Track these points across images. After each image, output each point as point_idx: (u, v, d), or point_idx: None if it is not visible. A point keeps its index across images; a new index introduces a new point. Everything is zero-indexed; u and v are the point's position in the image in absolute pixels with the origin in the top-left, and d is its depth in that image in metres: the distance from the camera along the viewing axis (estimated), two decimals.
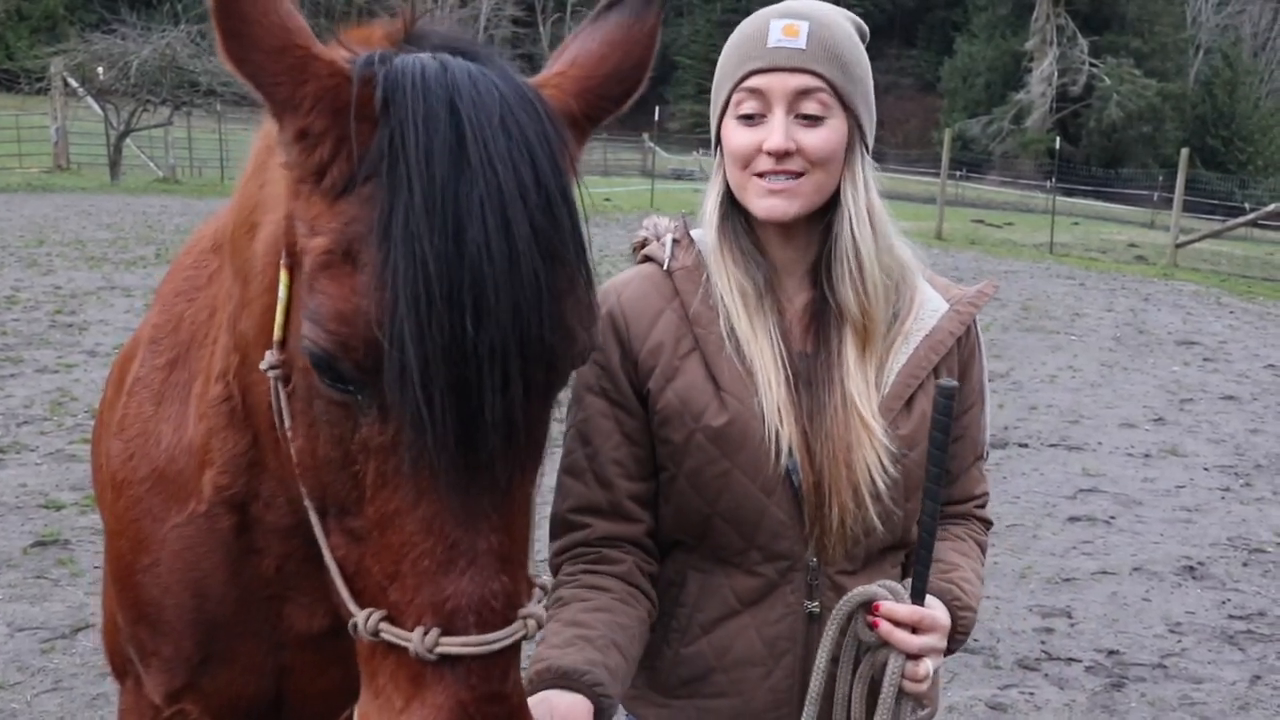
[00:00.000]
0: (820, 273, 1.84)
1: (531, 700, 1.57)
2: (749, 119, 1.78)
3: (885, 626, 1.68)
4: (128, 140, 29.11)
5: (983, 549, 1.99)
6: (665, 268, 1.90)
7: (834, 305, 1.82)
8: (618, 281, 1.93)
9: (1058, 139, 36.73)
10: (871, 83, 1.85)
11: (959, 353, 1.90)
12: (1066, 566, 6.15)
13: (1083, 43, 60.69)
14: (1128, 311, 15.90)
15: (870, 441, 1.76)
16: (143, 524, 1.83)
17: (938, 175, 29.49)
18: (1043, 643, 5.21)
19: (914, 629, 1.68)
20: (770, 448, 1.77)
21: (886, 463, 1.76)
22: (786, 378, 1.80)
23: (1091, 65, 60.07)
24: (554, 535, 1.89)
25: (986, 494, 2.03)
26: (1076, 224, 34.98)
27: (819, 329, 1.84)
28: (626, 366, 1.86)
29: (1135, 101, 57.91)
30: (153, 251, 15.58)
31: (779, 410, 1.77)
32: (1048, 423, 9.25)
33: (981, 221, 32.94)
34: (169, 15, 36.66)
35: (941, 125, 50.87)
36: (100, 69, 28.39)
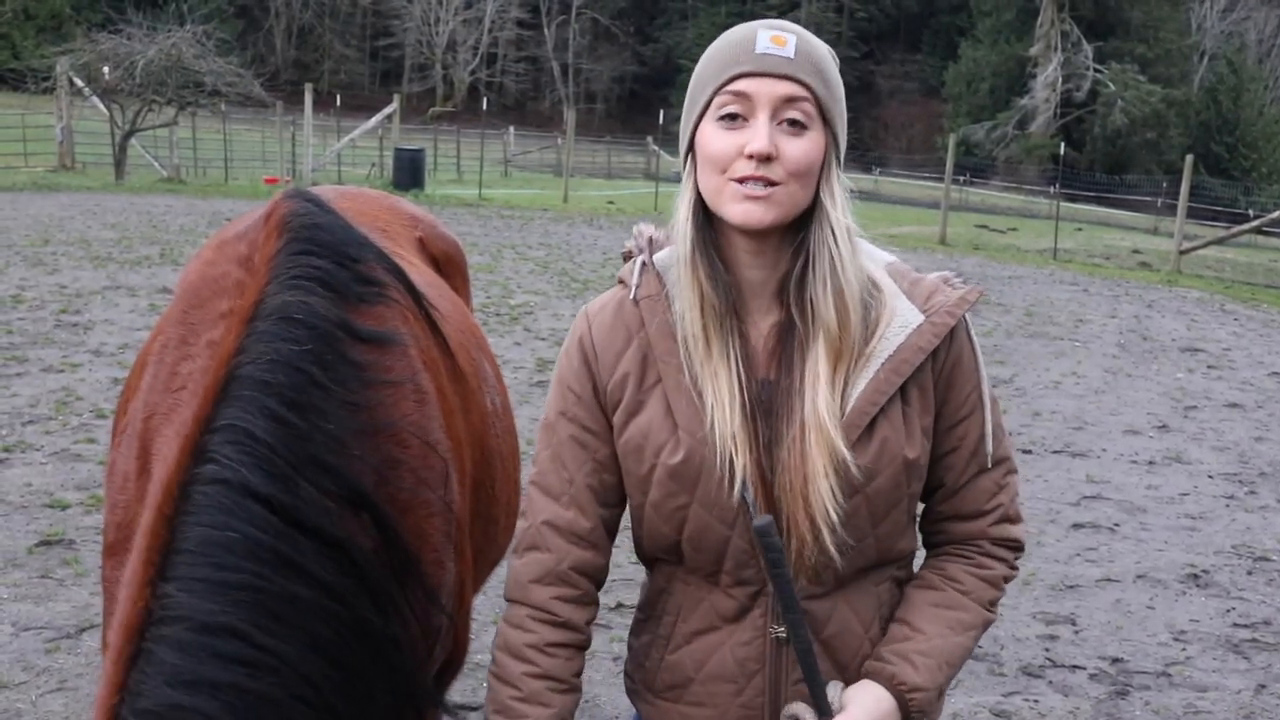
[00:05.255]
0: (789, 292, 1.80)
1: None
2: (731, 119, 1.75)
3: None
4: (133, 140, 29.09)
5: (993, 583, 1.90)
6: (633, 296, 1.90)
7: (804, 325, 1.78)
8: (593, 307, 1.94)
9: (1062, 144, 36.65)
10: (845, 107, 1.84)
11: (935, 366, 1.84)
12: (1070, 573, 6.15)
13: (1087, 48, 60.68)
14: (1131, 318, 15.90)
15: (827, 472, 1.73)
16: None
17: (941, 180, 29.50)
18: (1046, 650, 5.21)
19: None
20: (725, 478, 1.77)
21: (841, 496, 1.74)
22: (743, 404, 1.77)
23: (1096, 71, 60.06)
24: (526, 544, 1.92)
25: (1002, 507, 1.90)
26: (1080, 230, 34.98)
27: (783, 354, 1.81)
28: (599, 397, 1.89)
29: (1139, 108, 57.91)
30: (157, 251, 15.59)
31: (733, 439, 1.76)
32: (1051, 429, 9.25)
33: (985, 227, 32.93)
34: (175, 15, 36.72)
35: (945, 130, 50.94)
36: (106, 69, 28.39)
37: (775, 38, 1.75)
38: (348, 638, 1.71)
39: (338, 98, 41.99)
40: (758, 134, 1.71)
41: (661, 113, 39.52)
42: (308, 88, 30.40)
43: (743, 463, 1.76)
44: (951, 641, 1.85)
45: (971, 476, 1.89)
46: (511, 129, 51.17)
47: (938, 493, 1.91)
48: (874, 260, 1.89)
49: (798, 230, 1.79)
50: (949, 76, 67.07)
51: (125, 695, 1.54)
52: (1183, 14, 67.73)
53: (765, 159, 1.71)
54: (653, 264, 1.91)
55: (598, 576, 1.93)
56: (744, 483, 1.76)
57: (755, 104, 1.73)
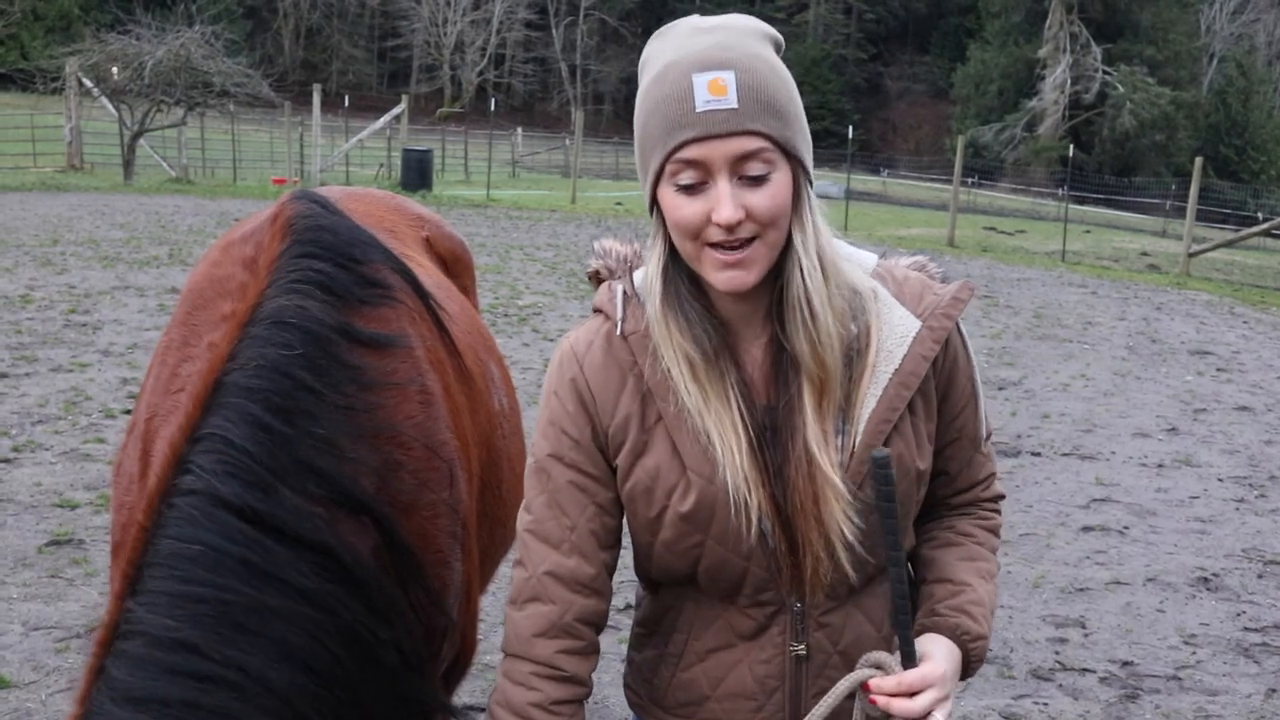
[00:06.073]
0: (773, 317, 1.75)
1: None
2: (689, 189, 1.65)
3: (883, 700, 1.70)
4: (141, 140, 29.19)
5: (995, 531, 1.96)
6: (620, 332, 1.81)
7: (791, 349, 1.74)
8: (578, 344, 1.84)
9: (1070, 146, 36.66)
10: (802, 108, 1.73)
11: (936, 370, 1.81)
12: (1080, 576, 6.13)
13: (1096, 50, 60.65)
14: (1140, 320, 15.86)
15: (833, 495, 1.71)
16: None
17: (950, 182, 29.47)
18: (1056, 653, 5.20)
19: (911, 694, 1.69)
20: (741, 519, 1.73)
21: (852, 514, 1.72)
22: (750, 441, 1.73)
23: (1105, 73, 60.02)
24: (527, 596, 1.82)
25: (991, 473, 1.96)
26: (1088, 232, 34.92)
27: (777, 374, 1.76)
28: (599, 441, 1.81)
29: (1148, 110, 57.86)
30: (166, 251, 15.63)
31: (745, 479, 1.71)
32: (1060, 431, 9.22)
33: (993, 229, 32.89)
34: (183, 16, 36.80)
35: (954, 132, 50.88)
36: (115, 69, 28.48)
37: (713, 84, 1.62)
38: (329, 645, 1.69)
39: (346, 98, 42.04)
40: (722, 203, 1.63)
41: None
42: (316, 88, 30.45)
43: (757, 500, 1.72)
44: (987, 590, 1.87)
45: (969, 458, 1.92)
46: (519, 130, 51.27)
47: (938, 479, 1.91)
48: (859, 263, 1.84)
49: (777, 260, 1.73)
50: (957, 78, 67.05)
51: (83, 712, 1.55)
52: (1192, 16, 67.64)
53: (735, 223, 1.64)
54: (635, 293, 1.83)
55: (600, 623, 1.85)
56: (760, 517, 1.73)
57: (711, 168, 1.63)
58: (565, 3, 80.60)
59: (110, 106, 29.33)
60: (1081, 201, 41.78)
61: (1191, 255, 23.42)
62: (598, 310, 1.87)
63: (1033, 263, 23.85)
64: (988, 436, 1.94)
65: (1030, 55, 62.83)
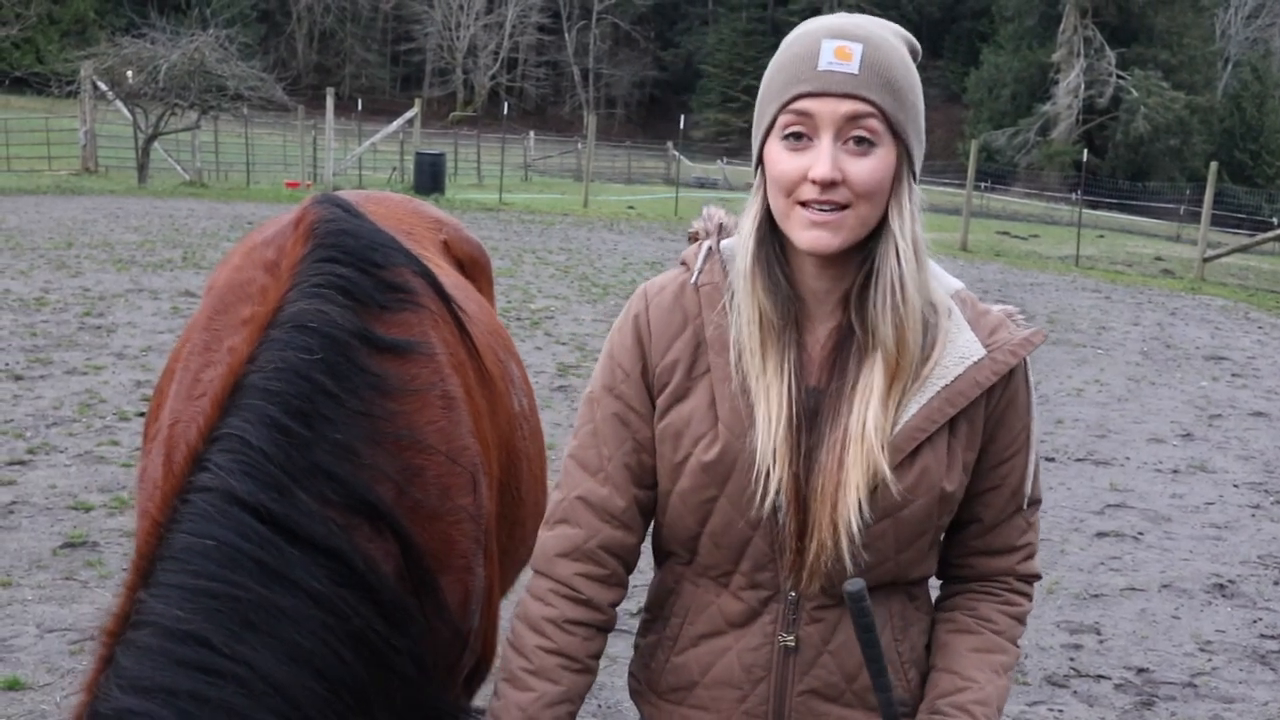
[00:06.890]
0: (851, 301, 1.77)
1: None
2: (795, 139, 1.69)
3: None
4: (155, 144, 29.30)
5: (1020, 619, 1.92)
6: (694, 281, 1.87)
7: (863, 335, 1.75)
8: (652, 286, 1.91)
9: (1084, 151, 36.54)
10: (923, 107, 1.77)
11: (989, 403, 1.82)
12: (1094, 582, 6.11)
13: (1110, 55, 60.50)
14: (1155, 325, 15.82)
15: (859, 484, 1.72)
16: None
17: (963, 186, 29.41)
18: (1071, 659, 5.17)
19: None
20: (758, 489, 1.75)
21: (869, 509, 1.72)
22: (790, 417, 1.75)
23: (1119, 77, 59.88)
24: (557, 517, 1.90)
25: (1030, 545, 1.91)
26: (1102, 236, 34.84)
27: (838, 359, 1.78)
28: (648, 379, 1.86)
29: (1163, 114, 57.67)
30: (179, 254, 15.68)
31: (774, 452, 1.74)
32: (1074, 437, 9.19)
33: (1007, 233, 32.84)
34: (198, 20, 36.92)
35: (967, 136, 50.74)
36: (129, 73, 28.60)
37: (839, 50, 1.67)
38: (338, 649, 1.69)
39: (359, 102, 42.17)
40: (821, 158, 1.66)
41: (681, 118, 39.58)
42: (329, 92, 30.53)
43: (779, 475, 1.74)
44: (999, 686, 1.85)
45: (1008, 515, 1.88)
46: (532, 134, 51.36)
47: (971, 528, 1.89)
48: (943, 284, 1.86)
49: (865, 242, 1.75)
50: (970, 82, 66.90)
51: (91, 699, 1.55)
52: (1207, 20, 67.43)
53: (830, 184, 1.67)
54: (719, 251, 1.88)
55: (627, 557, 1.90)
56: (777, 492, 1.74)
57: (818, 124, 1.68)
58: (578, 7, 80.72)
59: (125, 110, 29.45)
60: (1095, 206, 41.67)
61: (1206, 260, 23.35)
62: (683, 264, 1.93)
63: (1046, 267, 23.80)
64: (1035, 503, 1.91)
65: (1044, 59, 62.68)
